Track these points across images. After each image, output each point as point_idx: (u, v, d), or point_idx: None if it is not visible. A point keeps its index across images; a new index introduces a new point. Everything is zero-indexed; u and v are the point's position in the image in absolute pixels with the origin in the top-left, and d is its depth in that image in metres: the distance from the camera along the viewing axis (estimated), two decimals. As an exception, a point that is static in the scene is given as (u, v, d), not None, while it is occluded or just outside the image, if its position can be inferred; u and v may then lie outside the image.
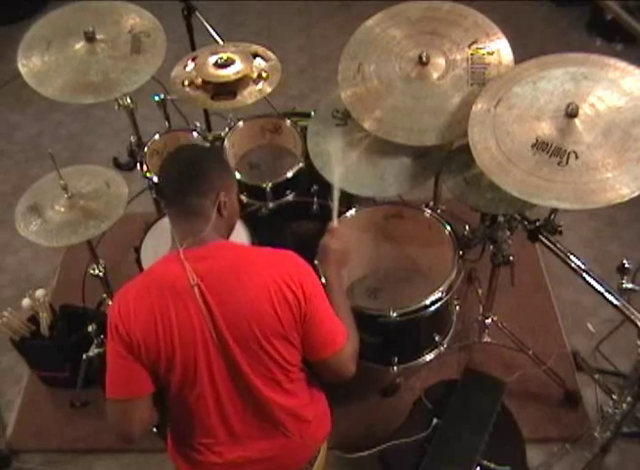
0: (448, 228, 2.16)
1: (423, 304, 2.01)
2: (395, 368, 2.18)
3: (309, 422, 1.61)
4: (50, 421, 2.56)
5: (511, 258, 2.06)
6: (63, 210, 2.10)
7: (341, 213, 2.18)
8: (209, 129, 2.95)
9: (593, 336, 2.55)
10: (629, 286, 1.76)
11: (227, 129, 2.49)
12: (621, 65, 1.81)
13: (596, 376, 2.42)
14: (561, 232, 2.03)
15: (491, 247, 2.12)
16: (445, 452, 1.96)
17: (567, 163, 1.70)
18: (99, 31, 2.20)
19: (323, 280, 1.74)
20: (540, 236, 2.02)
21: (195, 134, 2.51)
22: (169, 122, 2.64)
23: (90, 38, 2.19)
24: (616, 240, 3.00)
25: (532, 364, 2.45)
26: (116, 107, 2.44)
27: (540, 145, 1.74)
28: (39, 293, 2.42)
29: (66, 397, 2.56)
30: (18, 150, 3.75)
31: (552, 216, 2.02)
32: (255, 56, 2.37)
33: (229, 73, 2.27)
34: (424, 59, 2.03)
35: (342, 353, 1.52)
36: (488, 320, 2.47)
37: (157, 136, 2.52)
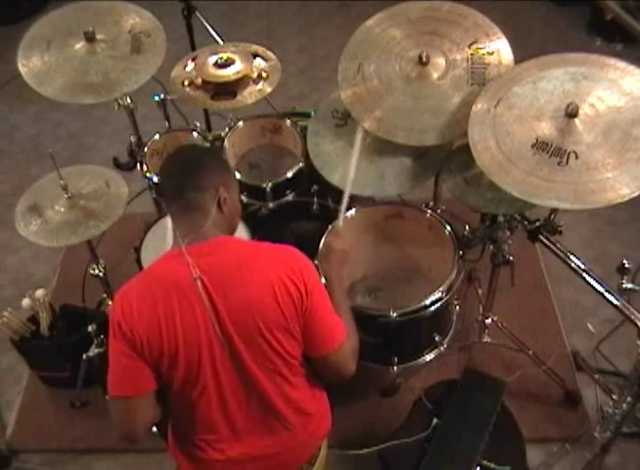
0: (448, 228, 2.16)
1: (423, 304, 2.01)
2: (395, 368, 2.17)
3: (311, 416, 1.62)
4: (50, 421, 2.56)
5: (511, 258, 2.06)
6: (63, 210, 2.10)
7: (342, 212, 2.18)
8: (209, 129, 2.95)
9: (593, 336, 2.55)
10: (629, 286, 1.76)
11: (227, 129, 2.49)
12: (621, 65, 1.81)
13: (596, 376, 2.42)
14: (561, 232, 2.03)
15: (491, 247, 2.12)
16: (445, 452, 1.96)
17: (567, 163, 1.70)
18: (99, 31, 2.20)
19: (323, 280, 1.74)
20: (540, 236, 2.02)
21: (195, 134, 2.51)
22: (169, 122, 2.64)
23: (90, 38, 2.19)
24: (616, 240, 3.00)
25: (532, 364, 2.45)
26: (116, 107, 2.45)
27: (540, 145, 1.74)
28: (39, 293, 2.42)
29: (66, 397, 2.56)
30: (18, 150, 3.75)
31: (552, 216, 2.02)
32: (255, 56, 2.37)
33: (229, 73, 2.27)
34: (424, 59, 2.03)
35: (341, 351, 1.53)
36: (488, 320, 2.47)
37: (157, 136, 2.52)
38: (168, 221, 1.54)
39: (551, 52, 1.90)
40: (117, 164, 2.63)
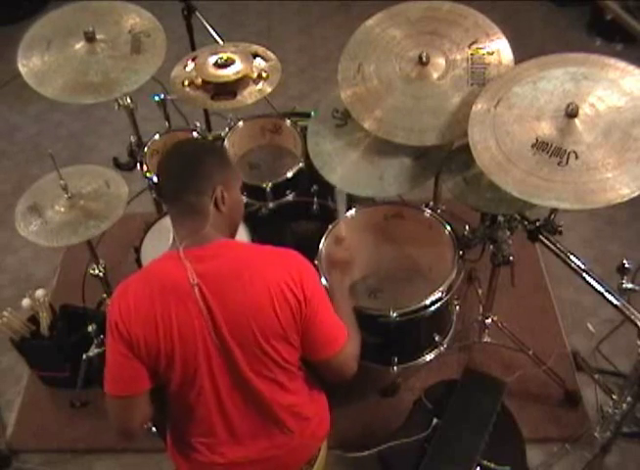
0: (448, 228, 2.16)
1: (423, 304, 2.01)
2: (395, 368, 2.17)
3: (310, 420, 1.62)
4: (50, 421, 2.56)
5: (511, 258, 2.06)
6: (63, 210, 2.10)
7: (341, 214, 2.19)
8: (209, 129, 2.95)
9: (593, 336, 2.55)
10: (629, 286, 1.76)
11: (227, 129, 2.49)
12: (621, 65, 1.81)
13: (596, 376, 2.42)
14: (561, 232, 2.03)
15: (491, 247, 2.11)
16: (445, 452, 1.96)
17: (567, 163, 1.70)
18: (99, 31, 2.20)
19: (324, 281, 1.75)
20: (540, 236, 2.02)
21: (195, 134, 2.51)
22: (169, 122, 2.64)
23: (90, 38, 2.19)
24: (616, 240, 3.00)
25: (532, 364, 2.45)
26: (116, 107, 2.44)
27: (540, 145, 1.74)
28: (39, 293, 2.42)
29: (66, 397, 2.56)
30: (18, 150, 3.75)
31: (552, 216, 2.02)
32: (255, 56, 2.37)
33: (229, 73, 2.27)
34: (424, 59, 2.03)
35: (343, 353, 1.52)
36: (488, 320, 2.47)
37: (157, 136, 2.52)
38: (170, 221, 1.53)
39: (551, 52, 1.90)
40: (117, 164, 2.63)
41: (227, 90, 2.28)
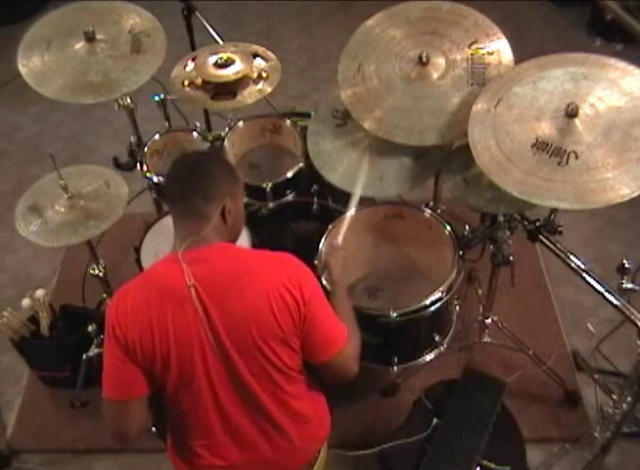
0: (448, 228, 2.16)
1: (423, 304, 2.01)
2: (395, 368, 2.17)
3: (310, 423, 1.61)
4: (50, 421, 2.56)
5: (511, 258, 2.06)
6: (63, 210, 2.10)
7: (341, 214, 2.19)
8: (209, 129, 2.95)
9: (593, 336, 2.55)
10: (629, 286, 1.76)
11: (227, 129, 2.49)
12: (621, 65, 1.81)
13: (596, 376, 2.42)
14: (561, 232, 2.03)
15: (491, 247, 2.11)
16: (445, 452, 1.96)
17: (567, 163, 1.70)
18: (99, 31, 2.20)
19: (323, 281, 1.75)
20: (540, 236, 2.02)
21: (195, 134, 2.51)
22: (169, 122, 2.63)
23: (90, 38, 2.19)
24: (616, 240, 3.00)
25: (532, 364, 2.45)
26: (116, 107, 2.44)
27: (540, 145, 1.74)
28: (39, 293, 2.42)
29: (66, 397, 2.56)
30: (18, 150, 3.75)
31: (552, 216, 2.02)
32: (255, 56, 2.37)
33: (229, 73, 2.27)
34: (424, 59, 2.03)
35: (343, 354, 1.52)
36: (488, 320, 2.47)
37: (157, 136, 2.52)
38: (170, 221, 1.53)
39: (551, 52, 1.90)
40: (117, 164, 2.63)
41: (227, 90, 2.28)
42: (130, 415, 1.46)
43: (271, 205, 2.35)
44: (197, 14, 2.73)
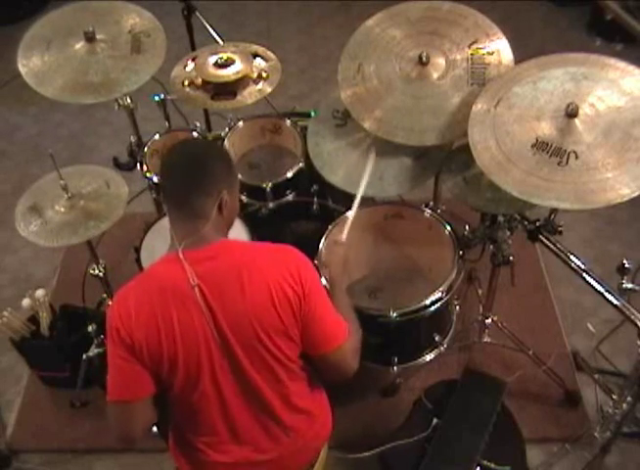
0: (448, 228, 2.17)
1: (423, 304, 2.01)
2: (395, 368, 2.17)
3: (311, 422, 1.62)
4: (50, 421, 2.56)
5: (511, 258, 2.06)
6: (63, 210, 2.10)
7: (341, 214, 2.19)
8: (209, 129, 2.95)
9: (593, 336, 2.55)
10: (629, 286, 1.76)
11: (227, 129, 2.49)
12: (621, 65, 1.81)
13: (596, 376, 2.42)
14: (561, 232, 2.03)
15: (491, 247, 2.11)
16: (445, 452, 1.96)
17: (567, 163, 1.70)
18: (99, 31, 2.20)
19: (324, 281, 1.75)
20: (540, 236, 2.02)
21: (195, 134, 2.51)
22: (169, 122, 2.64)
23: (90, 38, 2.19)
24: (616, 240, 3.00)
25: (532, 364, 2.45)
26: (116, 107, 2.44)
27: (540, 145, 1.74)
28: (39, 293, 2.42)
29: (66, 397, 2.56)
30: (18, 150, 3.75)
31: (552, 216, 2.02)
32: (255, 56, 2.37)
33: (229, 73, 2.27)
34: (424, 59, 2.03)
35: (343, 349, 1.52)
36: (488, 320, 2.47)
37: (157, 136, 2.52)
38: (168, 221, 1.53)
39: (551, 52, 1.90)
40: (117, 164, 2.63)
41: (227, 90, 2.28)
42: (135, 416, 1.46)
43: (271, 205, 2.35)
44: (197, 14, 2.73)
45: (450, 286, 2.05)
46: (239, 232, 2.16)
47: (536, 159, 1.73)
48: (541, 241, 2.01)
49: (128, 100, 2.44)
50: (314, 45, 4.24)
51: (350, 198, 2.11)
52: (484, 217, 2.32)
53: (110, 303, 2.40)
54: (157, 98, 2.53)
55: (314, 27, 4.39)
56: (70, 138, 3.79)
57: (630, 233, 3.03)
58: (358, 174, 2.08)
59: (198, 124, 2.59)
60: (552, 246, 1.99)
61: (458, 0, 2.13)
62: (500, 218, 2.07)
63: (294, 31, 4.36)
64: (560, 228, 2.02)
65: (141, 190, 2.78)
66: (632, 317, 1.78)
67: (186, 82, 2.33)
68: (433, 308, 2.03)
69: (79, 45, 2.21)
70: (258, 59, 2.36)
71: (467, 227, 2.12)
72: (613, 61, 1.82)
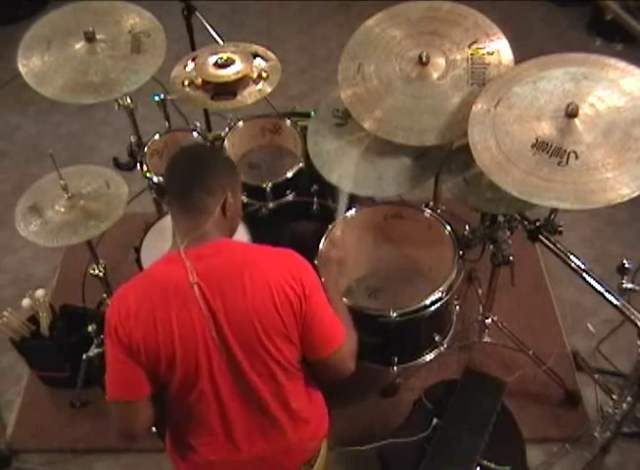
0: (448, 228, 2.17)
1: (423, 304, 2.01)
2: (395, 368, 2.17)
3: (308, 423, 1.61)
4: (50, 421, 2.56)
5: (511, 258, 2.06)
6: (63, 210, 2.10)
7: (340, 214, 2.19)
8: (209, 129, 2.95)
9: (593, 336, 2.55)
10: (629, 286, 1.76)
11: (227, 129, 2.49)
12: (621, 65, 1.81)
13: (596, 376, 2.42)
14: (561, 232, 2.03)
15: (491, 247, 2.11)
16: (445, 452, 1.96)
17: (567, 163, 1.70)
18: (99, 31, 2.20)
19: (323, 279, 1.74)
20: (540, 236, 2.02)
21: (195, 134, 2.51)
22: (169, 122, 2.63)
23: (90, 38, 2.19)
24: (616, 240, 3.00)
25: (532, 364, 2.45)
26: (116, 107, 2.44)
27: (540, 145, 1.74)
28: (39, 293, 2.42)
29: (66, 397, 2.56)
30: (18, 150, 3.75)
31: (552, 216, 2.02)
32: (255, 56, 2.37)
33: (229, 73, 2.27)
34: (424, 59, 2.03)
35: (341, 351, 1.53)
36: (488, 320, 2.47)
37: (157, 136, 2.52)
38: (170, 220, 1.53)
39: (551, 52, 1.90)
40: (117, 164, 2.63)
41: (227, 90, 2.28)
42: (136, 414, 1.46)
43: (271, 205, 2.35)
44: (197, 14, 2.73)
45: (450, 286, 2.05)
46: (239, 232, 2.15)
47: (536, 159, 1.73)
48: (541, 241, 2.01)
49: (128, 100, 2.44)
50: (314, 45, 4.24)
51: (351, 198, 2.12)
52: (484, 217, 2.32)
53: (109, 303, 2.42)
54: (157, 98, 2.53)
55: (314, 27, 4.39)
56: (70, 138, 3.79)
57: (630, 233, 3.03)
58: (358, 175, 2.08)
59: (198, 124, 2.59)
60: (552, 246, 1.99)
61: (458, 0, 2.13)
62: (500, 218, 2.07)
63: (294, 31, 4.36)
64: (560, 228, 2.02)
65: (141, 190, 2.78)
66: (632, 317, 1.78)
67: (186, 82, 2.33)
68: (433, 308, 2.03)
69: (79, 45, 2.21)
70: (258, 59, 2.37)
71: (467, 227, 2.12)
72: (613, 61, 1.82)
